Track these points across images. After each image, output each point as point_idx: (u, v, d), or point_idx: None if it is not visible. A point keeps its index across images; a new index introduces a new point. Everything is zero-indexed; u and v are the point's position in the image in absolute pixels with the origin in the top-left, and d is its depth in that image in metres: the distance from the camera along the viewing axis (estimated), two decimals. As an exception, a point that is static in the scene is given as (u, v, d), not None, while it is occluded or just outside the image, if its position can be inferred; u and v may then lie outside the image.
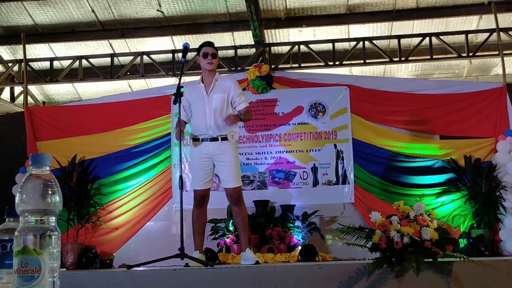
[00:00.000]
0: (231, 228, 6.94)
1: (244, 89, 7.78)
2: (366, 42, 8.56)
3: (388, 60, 8.64)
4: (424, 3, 8.65)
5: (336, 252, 7.23)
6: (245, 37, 9.23)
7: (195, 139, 5.34)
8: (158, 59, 9.06)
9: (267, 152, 7.79)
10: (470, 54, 8.49)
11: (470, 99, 7.57)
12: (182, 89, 5.09)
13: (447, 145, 7.49)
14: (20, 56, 9.23)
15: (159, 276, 4.19)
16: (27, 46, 8.75)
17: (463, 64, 9.82)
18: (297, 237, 6.98)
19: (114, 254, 7.47)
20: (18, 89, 9.77)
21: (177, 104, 5.05)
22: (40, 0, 8.55)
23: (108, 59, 9.07)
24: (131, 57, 9.01)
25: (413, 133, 7.60)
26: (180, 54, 8.30)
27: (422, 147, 7.53)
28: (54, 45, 9.58)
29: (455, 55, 8.56)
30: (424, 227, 3.99)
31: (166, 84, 8.89)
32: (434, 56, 8.54)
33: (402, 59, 8.56)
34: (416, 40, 8.66)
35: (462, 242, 6.77)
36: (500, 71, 8.15)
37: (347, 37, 9.15)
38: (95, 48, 9.51)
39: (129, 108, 8.05)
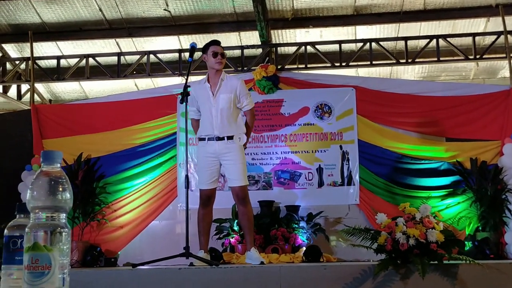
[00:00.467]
0: (235, 228, 6.94)
1: (250, 89, 7.78)
2: (373, 44, 8.56)
3: (394, 61, 8.64)
4: (432, 5, 8.64)
5: (340, 253, 7.22)
6: (251, 37, 9.24)
7: (201, 139, 5.34)
8: (165, 59, 9.08)
9: (273, 152, 7.79)
10: (477, 56, 8.48)
11: (477, 102, 7.54)
12: (189, 89, 5.10)
13: (453, 147, 7.47)
14: (27, 54, 9.26)
15: (164, 275, 4.19)
16: (34, 44, 8.78)
17: (470, 66, 9.80)
18: (302, 237, 6.97)
19: (119, 252, 7.48)
20: (25, 87, 9.80)
21: (184, 103, 5.05)
22: (47, -2, 8.59)
23: (115, 58, 9.08)
24: (137, 56, 9.03)
25: (419, 135, 7.58)
26: (187, 54, 8.32)
27: (428, 149, 7.50)
28: (61, 44, 9.61)
29: (462, 58, 8.54)
30: (430, 229, 3.98)
31: (172, 83, 8.90)
32: (441, 58, 8.52)
33: (409, 60, 8.55)
34: (423, 42, 8.64)
35: (467, 245, 6.75)
36: (507, 74, 8.13)
37: (353, 38, 9.15)
38: (102, 47, 9.54)
39: (135, 107, 8.06)
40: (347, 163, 7.64)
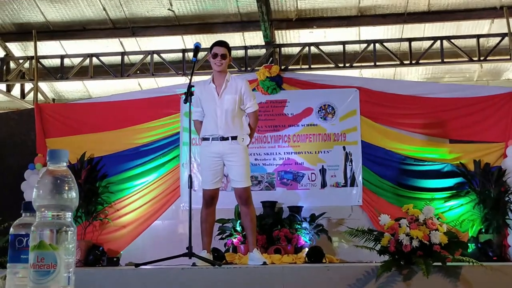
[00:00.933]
0: (238, 228, 6.94)
1: (253, 90, 7.81)
2: (377, 45, 8.55)
3: (398, 62, 8.63)
4: (436, 6, 8.62)
5: (342, 254, 7.22)
6: (255, 38, 9.23)
7: (205, 139, 5.32)
8: (168, 58, 9.08)
9: (276, 153, 7.79)
10: (481, 58, 8.47)
11: (481, 104, 7.54)
12: (192, 88, 5.10)
13: (457, 149, 7.46)
14: (31, 53, 9.27)
15: (167, 274, 4.19)
16: (38, 43, 8.80)
17: (474, 68, 9.78)
18: (304, 238, 6.97)
19: (121, 252, 7.49)
20: (28, 86, 9.80)
21: (188, 103, 5.05)
22: (52, -3, 8.59)
23: (119, 58, 9.09)
24: (141, 56, 9.04)
25: (422, 136, 7.58)
26: (190, 54, 8.32)
27: (431, 151, 7.50)
28: (65, 43, 9.61)
29: (466, 59, 8.53)
30: (434, 231, 3.97)
31: (176, 83, 8.89)
32: (445, 60, 8.51)
33: (413, 62, 8.55)
34: (427, 43, 8.63)
35: (471, 247, 6.74)
36: (511, 76, 8.12)
37: (357, 39, 9.13)
38: (105, 46, 9.53)
39: (138, 106, 8.07)
40: (350, 164, 7.64)
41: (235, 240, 6.94)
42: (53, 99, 10.83)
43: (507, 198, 6.93)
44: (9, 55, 9.60)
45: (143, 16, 9.02)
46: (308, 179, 7.68)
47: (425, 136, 7.59)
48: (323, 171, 7.66)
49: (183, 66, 8.82)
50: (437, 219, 4.13)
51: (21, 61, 9.38)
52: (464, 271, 3.95)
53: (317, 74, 8.30)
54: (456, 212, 7.19)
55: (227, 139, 5.20)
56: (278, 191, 7.68)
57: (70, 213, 1.34)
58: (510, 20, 8.00)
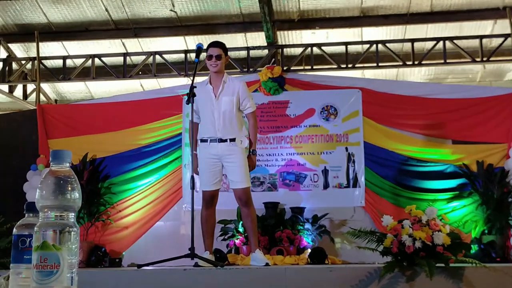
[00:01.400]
0: (240, 229, 6.93)
1: (256, 91, 7.81)
2: (379, 45, 8.54)
3: (401, 63, 8.62)
4: (438, 7, 8.62)
5: (345, 255, 7.20)
6: (257, 38, 9.24)
7: (203, 140, 5.29)
8: (171, 59, 9.08)
9: (278, 154, 7.77)
10: (484, 59, 8.45)
11: (483, 104, 7.52)
12: (195, 89, 5.09)
13: (460, 150, 7.44)
14: (33, 54, 9.28)
15: (169, 275, 4.19)
16: (40, 44, 8.80)
17: (477, 68, 9.77)
18: (307, 239, 6.96)
19: (123, 253, 7.48)
20: (30, 87, 9.82)
21: (190, 104, 5.05)
22: (54, -2, 8.60)
23: (121, 58, 9.10)
24: (143, 57, 9.04)
25: (425, 137, 7.56)
26: (192, 55, 8.33)
27: (434, 152, 7.48)
28: (67, 44, 9.62)
29: (469, 60, 8.52)
30: (437, 232, 3.96)
31: (178, 84, 8.90)
32: (447, 60, 8.50)
33: (416, 62, 8.54)
34: (429, 44, 8.62)
35: (473, 248, 6.72)
36: (514, 77, 8.12)
37: (360, 39, 9.13)
38: (108, 47, 9.55)
39: (140, 107, 8.06)
40: (352, 165, 7.62)
41: (237, 241, 6.93)
42: (56, 100, 10.85)
43: (510, 199, 6.92)
44: (11, 56, 9.62)
45: (145, 17, 9.03)
46: (311, 180, 7.66)
47: (428, 137, 7.57)
48: (325, 172, 7.65)
49: (185, 67, 8.82)
50: (440, 220, 4.12)
51: (23, 62, 9.40)
52: (467, 272, 3.93)
53: (319, 75, 8.29)
54: (459, 213, 7.17)
55: (225, 141, 5.19)
56: (281, 192, 7.66)
57: (73, 214, 1.33)
58: (513, 21, 7.99)
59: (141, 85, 10.44)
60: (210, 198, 5.30)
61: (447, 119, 7.57)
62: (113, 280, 4.24)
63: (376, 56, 8.51)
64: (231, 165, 5.23)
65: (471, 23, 8.86)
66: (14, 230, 1.47)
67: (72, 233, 1.31)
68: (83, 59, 9.09)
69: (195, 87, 5.11)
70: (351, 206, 7.50)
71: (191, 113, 5.18)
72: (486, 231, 6.94)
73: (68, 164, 1.36)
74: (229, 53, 8.85)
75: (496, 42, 8.61)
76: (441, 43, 8.44)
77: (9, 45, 9.59)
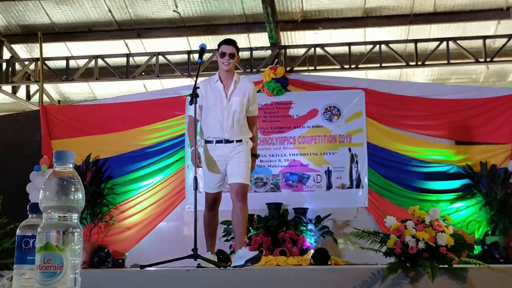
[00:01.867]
0: (243, 230, 6.92)
1: (259, 91, 7.81)
2: (383, 46, 8.54)
3: (404, 64, 8.61)
4: (442, 7, 8.60)
5: (348, 256, 7.19)
6: (261, 39, 9.23)
7: (209, 141, 5.10)
8: (174, 60, 9.08)
9: (281, 154, 7.77)
10: (488, 59, 8.44)
11: (487, 105, 7.51)
12: (198, 90, 5.05)
13: (463, 150, 7.44)
14: (36, 54, 9.29)
15: (172, 276, 4.18)
16: (43, 45, 8.81)
17: (480, 69, 9.76)
18: (310, 240, 6.96)
19: (126, 253, 7.49)
20: (34, 88, 9.83)
21: (193, 104, 5.02)
22: (57, -1, 8.61)
23: (124, 59, 9.11)
24: (146, 57, 9.05)
25: (428, 138, 7.56)
26: (195, 55, 8.33)
27: (437, 152, 7.48)
28: (70, 44, 9.63)
29: (472, 60, 8.51)
30: (440, 233, 3.95)
31: (181, 85, 8.90)
32: (451, 61, 8.49)
33: (419, 63, 8.53)
34: (433, 45, 8.61)
35: (477, 249, 6.72)
36: (517, 77, 8.10)
37: (363, 40, 9.12)
38: (111, 48, 9.55)
39: (143, 108, 8.07)
40: (355, 165, 7.62)
41: (240, 242, 6.91)
42: (59, 101, 10.86)
43: (513, 200, 6.90)
44: (14, 57, 9.63)
45: (148, 18, 9.03)
46: (314, 180, 7.66)
47: (431, 138, 7.56)
48: (328, 173, 7.65)
49: (188, 68, 8.82)
50: (443, 221, 4.11)
51: (26, 62, 9.41)
52: (471, 273, 3.92)
53: (322, 76, 8.29)
54: (462, 214, 7.16)
55: (232, 142, 5.04)
56: (284, 192, 7.66)
57: (76, 215, 1.33)
58: (516, 21, 7.98)
59: (144, 86, 10.44)
60: (213, 201, 5.17)
61: (450, 120, 7.56)
62: (116, 281, 4.25)
63: (379, 56, 8.50)
64: (235, 160, 5.03)
65: (475, 24, 8.85)
66: (18, 231, 1.47)
67: (76, 234, 1.31)
68: (86, 60, 9.11)
69: (198, 87, 5.04)
70: (354, 206, 7.50)
71: (194, 111, 5.09)
72: (489, 232, 6.93)
73: (71, 165, 1.36)
74: (232, 53, 8.96)
75: (499, 42, 8.59)
76: (444, 43, 8.43)
77: (12, 45, 9.60)
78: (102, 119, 8.11)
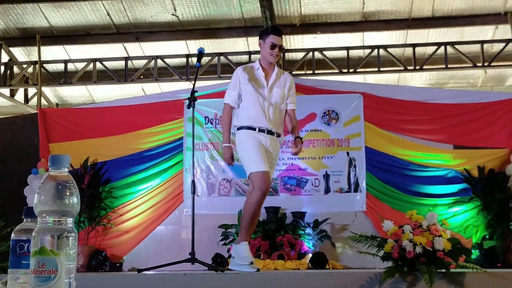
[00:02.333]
0: (241, 233, 6.91)
1: (257, 95, 7.81)
2: (381, 50, 8.56)
3: (402, 68, 8.63)
4: (440, 12, 8.63)
5: (346, 260, 7.18)
6: (259, 43, 9.24)
7: (251, 128, 4.72)
8: (172, 63, 9.10)
9: (279, 158, 7.75)
10: (485, 64, 8.47)
11: (485, 109, 7.52)
12: (196, 94, 5.03)
13: (461, 155, 7.44)
14: (35, 58, 9.30)
15: (169, 280, 4.18)
16: (42, 48, 8.81)
17: (478, 73, 9.78)
18: (308, 244, 6.94)
19: (124, 257, 7.47)
20: (32, 91, 9.84)
21: (191, 108, 5.01)
22: (56, 2, 8.61)
23: (122, 62, 9.11)
24: (145, 61, 9.06)
25: (426, 142, 7.55)
26: (194, 59, 8.34)
27: (435, 157, 7.48)
28: (68, 48, 9.64)
29: (470, 65, 8.53)
30: (437, 237, 3.95)
31: (179, 88, 8.90)
32: (449, 65, 8.52)
33: (417, 67, 8.55)
34: (431, 49, 8.63)
35: (474, 253, 6.71)
36: (515, 82, 8.12)
37: (361, 44, 9.14)
38: (109, 51, 9.57)
39: (142, 111, 8.06)
40: (354, 169, 7.61)
41: (238, 246, 6.91)
42: (57, 104, 10.86)
43: (511, 204, 6.90)
44: (13, 60, 9.64)
45: (147, 21, 9.05)
46: (312, 184, 7.65)
47: (429, 142, 7.56)
48: (326, 177, 7.63)
49: (187, 71, 8.84)
50: (441, 225, 4.10)
51: (24, 66, 9.42)
52: (468, 278, 3.92)
53: (321, 80, 8.31)
54: (460, 218, 7.15)
55: (273, 134, 4.76)
56: (282, 196, 7.65)
57: (71, 219, 1.33)
58: (514, 26, 8.00)
59: (143, 89, 10.45)
60: (270, 179, 4.69)
61: (448, 124, 7.56)
62: (113, 284, 4.24)
63: (377, 61, 8.52)
64: (271, 163, 4.83)
65: (472, 28, 8.88)
66: (12, 235, 1.47)
67: (70, 238, 1.31)
68: (85, 63, 9.12)
69: (196, 91, 5.02)
70: (352, 210, 7.48)
71: (192, 117, 5.08)
72: (487, 237, 6.92)
73: (66, 169, 1.35)
74: (230, 57, 8.98)
75: (497, 47, 8.61)
76: (442, 48, 8.46)
77: (11, 49, 9.61)
78: (100, 122, 8.10)
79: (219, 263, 6.15)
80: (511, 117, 7.39)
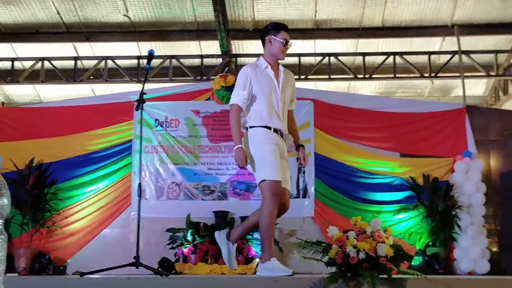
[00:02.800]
0: (189, 238, 6.89)
1: (208, 99, 7.81)
2: (332, 58, 8.66)
3: (352, 76, 8.75)
4: (390, 22, 8.79)
5: (294, 265, 7.17)
6: (212, 47, 9.22)
7: (267, 127, 4.30)
8: (123, 65, 8.99)
9: (229, 163, 7.75)
10: (432, 74, 8.67)
11: (431, 119, 7.69)
12: (146, 96, 4.97)
13: (407, 163, 7.59)
14: (-19, 55, 9.05)
15: (112, 284, 4.11)
16: (-12, 45, 8.59)
17: (426, 84, 10.00)
18: (256, 249, 6.96)
19: (68, 260, 7.33)
20: (-23, 89, 9.57)
21: (140, 110, 4.96)
22: (4, -1, 8.41)
23: (72, 62, 8.95)
24: (95, 61, 8.92)
25: (374, 149, 7.68)
26: (145, 61, 8.23)
27: (382, 164, 7.60)
28: (16, 45, 9.41)
29: (418, 75, 8.72)
30: (380, 243, 4.00)
31: (130, 90, 8.80)
32: (397, 75, 8.68)
33: (367, 76, 8.69)
34: (380, 58, 8.78)
35: (418, 260, 6.85)
36: (460, 93, 8.31)
37: (313, 51, 9.22)
38: (58, 50, 9.37)
39: (91, 112, 7.93)
40: (303, 175, 7.66)
41: (185, 250, 6.88)
42: (2, 103, 10.57)
43: (454, 212, 7.07)
44: (-43, 57, 9.35)
45: (98, 21, 8.91)
46: (261, 189, 7.66)
47: (377, 150, 7.68)
48: (275, 182, 7.65)
49: (138, 73, 8.75)
50: (384, 231, 4.16)
51: (-31, 62, 9.15)
52: (409, 284, 3.98)
53: (272, 85, 8.32)
54: (404, 225, 7.30)
55: (282, 136, 4.38)
56: (231, 201, 7.65)
57: (1, 221, 1.29)
58: (460, 38, 8.20)
59: (92, 90, 10.29)
60: (280, 190, 4.34)
61: (396, 133, 7.71)
62: (55, 288, 4.14)
63: (328, 68, 8.62)
64: (286, 164, 4.45)
65: (421, 39, 9.08)
66: None
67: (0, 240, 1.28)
68: (33, 62, 8.91)
69: (145, 93, 4.96)
70: (301, 216, 7.53)
71: (141, 119, 5.03)
72: (430, 243, 7.08)
73: (-4, 170, 1.32)
74: (182, 60, 8.93)
75: (444, 58, 8.83)
76: (391, 57, 8.62)
77: (-45, 45, 9.33)
78: (47, 122, 7.93)
79: (166, 267, 6.11)
80: (455, 127, 7.60)
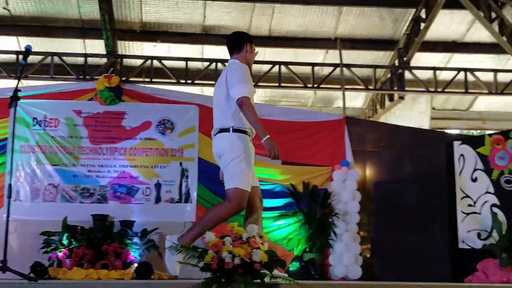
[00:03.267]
0: (65, 241, 6.66)
1: (91, 99, 7.60)
2: (219, 64, 8.72)
3: (238, 83, 8.84)
4: (277, 32, 9.00)
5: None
6: (97, 46, 9.00)
7: (248, 134, 4.73)
8: (1, 59, 8.57)
9: (111, 165, 7.59)
10: (315, 85, 8.95)
11: (312, 128, 7.92)
12: (19, 93, 4.77)
13: (288, 170, 7.75)
14: None
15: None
16: None
17: (309, 94, 10.32)
18: (134, 254, 6.84)
19: None
20: None
21: (13, 108, 4.73)
22: None
23: None
24: (-30, 55, 8.44)
25: (257, 156, 7.74)
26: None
27: (264, 171, 7.70)
28: None
29: (302, 85, 8.97)
30: (255, 249, 4.07)
31: (8, 86, 8.38)
32: (282, 84, 8.88)
33: (252, 84, 8.80)
34: (266, 67, 8.96)
35: (295, 265, 7.01)
36: (341, 104, 8.65)
37: (201, 57, 9.25)
38: None
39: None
40: (186, 180, 7.65)
41: (60, 254, 6.63)
42: None
43: (331, 219, 7.31)
44: None
45: (-25, 13, 8.44)
46: (143, 193, 7.57)
47: (259, 157, 7.68)
48: (158, 186, 7.60)
49: (17, 69, 8.35)
50: (260, 237, 4.24)
51: None
52: (282, 289, 4.08)
53: (158, 88, 8.26)
54: (284, 231, 7.45)
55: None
56: (111, 204, 7.48)
57: None
58: (342, 52, 8.53)
59: (-33, 85, 9.69)
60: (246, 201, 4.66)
61: (278, 141, 7.63)
62: None
63: (215, 74, 8.67)
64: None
65: (306, 51, 9.37)
66: None
67: None
68: None
69: (20, 90, 4.77)
70: (182, 221, 7.49)
71: (13, 118, 4.79)
72: (307, 249, 7.27)
73: None
74: (64, 58, 8.63)
75: (327, 70, 9.16)
76: (277, 67, 8.81)
77: None
78: None
79: (38, 271, 5.85)
80: (335, 137, 7.87)
